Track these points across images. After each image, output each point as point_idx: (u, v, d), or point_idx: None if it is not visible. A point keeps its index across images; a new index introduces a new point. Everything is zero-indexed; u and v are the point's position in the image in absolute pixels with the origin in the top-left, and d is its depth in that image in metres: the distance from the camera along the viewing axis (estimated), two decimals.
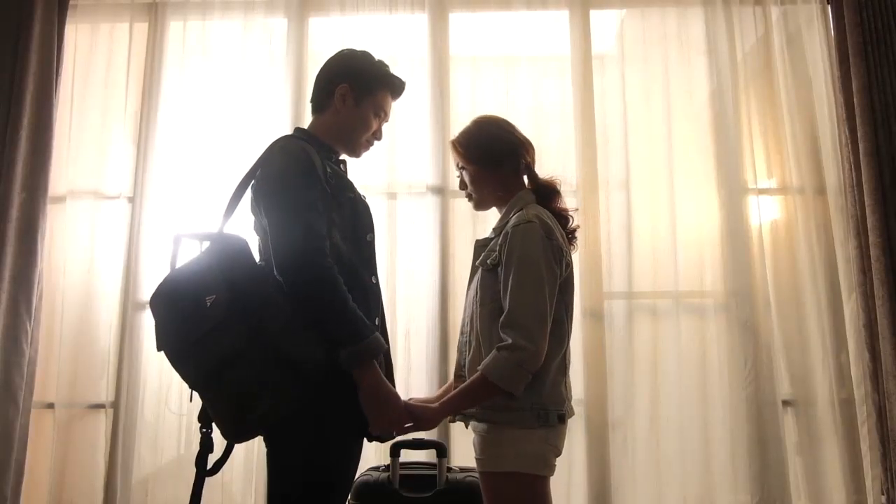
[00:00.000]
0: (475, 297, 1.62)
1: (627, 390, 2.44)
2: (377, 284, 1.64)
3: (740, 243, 2.52)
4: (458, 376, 1.65)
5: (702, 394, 2.48)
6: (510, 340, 1.46)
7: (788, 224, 2.60)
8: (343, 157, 1.76)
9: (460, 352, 1.68)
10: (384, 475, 1.95)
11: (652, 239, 2.59)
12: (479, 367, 1.49)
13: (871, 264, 2.38)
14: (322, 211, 1.49)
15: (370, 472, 2.02)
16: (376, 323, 1.58)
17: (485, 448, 1.54)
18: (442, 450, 1.97)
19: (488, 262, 1.59)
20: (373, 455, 2.25)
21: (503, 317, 1.50)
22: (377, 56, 1.75)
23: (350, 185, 1.65)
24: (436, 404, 1.55)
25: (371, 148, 1.77)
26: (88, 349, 2.55)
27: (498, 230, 1.66)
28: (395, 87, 1.74)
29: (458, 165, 1.76)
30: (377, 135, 1.74)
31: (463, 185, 1.76)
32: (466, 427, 1.64)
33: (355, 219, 1.60)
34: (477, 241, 1.75)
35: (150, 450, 2.50)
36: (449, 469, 2.01)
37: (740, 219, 2.54)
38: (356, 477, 1.80)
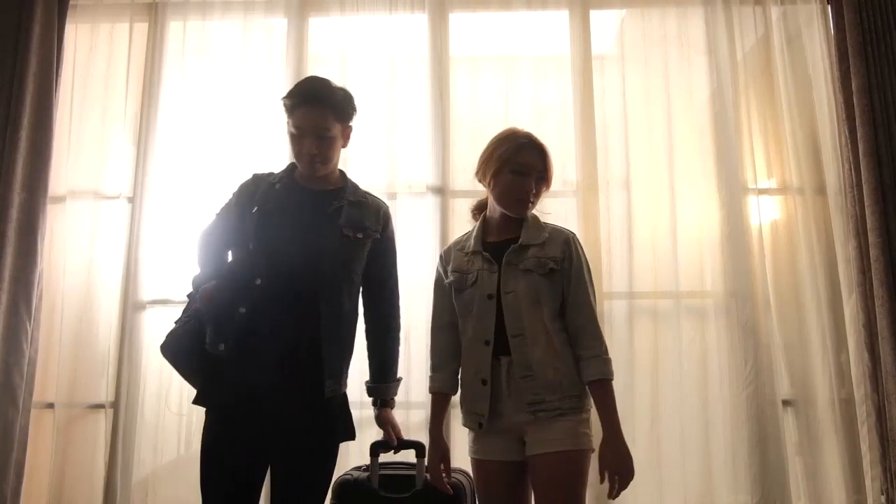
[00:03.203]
0: (531, 300, 1.71)
1: (627, 390, 2.44)
2: (262, 285, 1.76)
3: (740, 243, 2.52)
4: (525, 376, 1.69)
5: (702, 394, 2.48)
6: (602, 346, 1.73)
7: (788, 224, 2.60)
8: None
9: (516, 350, 1.70)
10: (364, 475, 1.95)
11: (652, 239, 2.59)
12: (598, 375, 1.70)
13: (870, 264, 2.38)
14: (216, 234, 1.90)
15: (352, 471, 2.01)
16: (241, 311, 1.74)
17: (570, 431, 1.67)
18: (421, 450, 1.93)
19: (547, 268, 1.73)
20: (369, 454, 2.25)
21: (587, 323, 1.73)
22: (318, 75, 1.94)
23: (276, 201, 1.84)
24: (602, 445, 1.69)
25: (318, 162, 1.83)
26: (88, 349, 2.55)
27: (534, 238, 1.77)
28: (292, 97, 1.82)
29: (544, 178, 1.81)
30: (305, 149, 1.81)
31: (532, 196, 1.80)
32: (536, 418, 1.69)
33: (255, 230, 1.81)
34: (491, 243, 1.80)
35: (150, 450, 2.50)
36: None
37: (740, 219, 2.54)
38: (338, 476, 1.93)
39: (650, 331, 2.51)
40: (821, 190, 2.57)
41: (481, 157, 1.86)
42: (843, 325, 2.47)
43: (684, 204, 2.61)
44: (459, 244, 1.90)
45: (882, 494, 2.29)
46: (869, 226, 2.39)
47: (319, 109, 1.79)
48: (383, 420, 1.93)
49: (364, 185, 2.63)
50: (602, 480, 1.66)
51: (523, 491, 1.75)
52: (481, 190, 2.63)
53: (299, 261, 1.77)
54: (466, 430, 1.82)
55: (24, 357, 2.43)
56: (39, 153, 2.55)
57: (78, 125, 2.70)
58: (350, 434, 1.85)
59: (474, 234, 1.86)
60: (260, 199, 1.84)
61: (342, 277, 1.82)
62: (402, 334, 1.99)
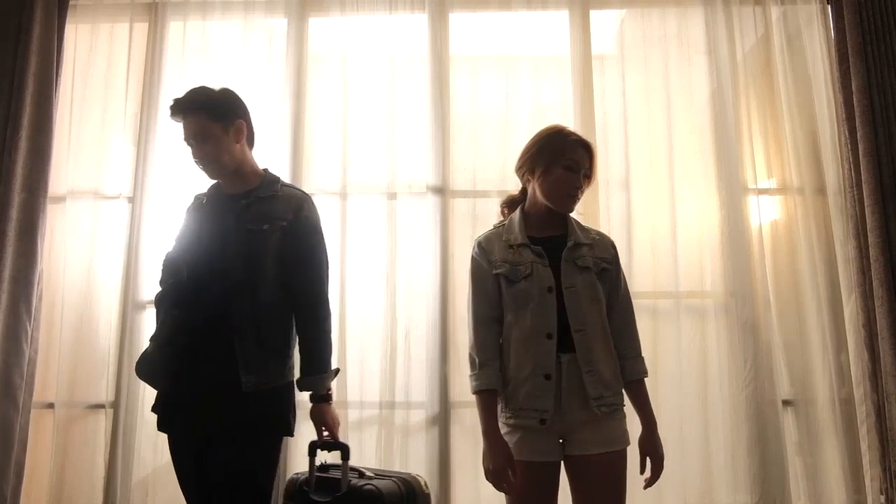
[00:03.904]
0: (590, 296, 1.74)
1: None
2: (189, 280, 1.87)
3: (740, 243, 2.52)
4: (588, 371, 1.70)
5: (702, 394, 2.48)
6: (640, 347, 1.84)
7: (788, 224, 2.60)
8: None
9: (580, 345, 1.70)
10: (317, 475, 1.93)
11: (652, 239, 2.59)
12: (641, 374, 1.81)
13: (870, 264, 2.38)
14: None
15: (301, 472, 2.01)
16: (175, 312, 1.85)
17: (623, 429, 1.74)
18: (346, 452, 1.90)
19: (600, 267, 1.78)
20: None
21: (629, 323, 1.83)
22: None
23: (200, 214, 1.95)
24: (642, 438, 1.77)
25: (206, 165, 1.92)
26: (88, 349, 2.55)
27: (582, 237, 1.81)
28: (171, 112, 1.91)
29: (588, 176, 1.82)
30: (193, 157, 1.92)
31: (580, 192, 1.83)
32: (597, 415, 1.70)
33: (178, 244, 1.97)
34: (536, 238, 1.79)
35: (150, 450, 2.50)
36: (361, 474, 1.93)
37: (740, 219, 2.54)
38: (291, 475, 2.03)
39: (650, 331, 2.51)
40: (821, 190, 2.57)
41: (526, 152, 1.85)
42: (843, 325, 2.47)
43: (684, 204, 2.61)
44: (501, 235, 1.83)
45: (882, 494, 2.29)
46: (869, 226, 2.39)
47: (192, 115, 1.87)
48: (313, 415, 1.91)
49: (364, 184, 2.66)
50: (643, 471, 1.74)
51: (556, 493, 1.74)
52: (481, 190, 2.66)
53: (208, 263, 1.84)
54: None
55: (24, 357, 2.43)
56: (39, 153, 2.55)
57: (78, 125, 2.70)
58: (280, 430, 1.84)
59: (517, 226, 1.81)
60: (191, 217, 1.98)
61: (251, 272, 1.82)
62: (331, 323, 1.94)
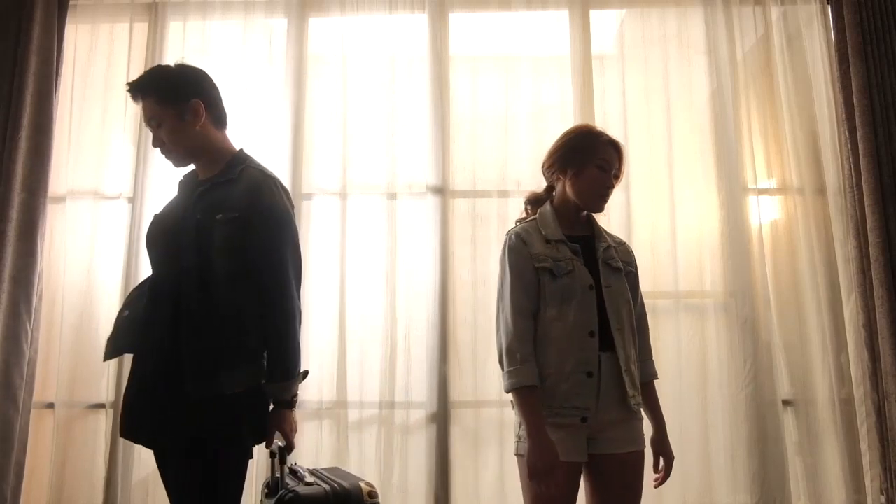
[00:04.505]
0: (625, 297, 1.77)
1: None
2: (139, 288, 1.78)
3: (740, 243, 2.53)
4: (626, 370, 1.71)
5: (702, 394, 2.48)
6: (651, 350, 1.87)
7: (788, 224, 2.60)
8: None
9: (619, 344, 1.71)
10: (289, 479, 1.82)
11: (652, 239, 2.59)
12: (654, 376, 1.85)
13: (870, 264, 2.38)
14: None
15: (288, 477, 1.90)
16: (126, 314, 1.75)
17: (642, 430, 1.76)
18: (282, 456, 1.74)
19: (627, 269, 1.82)
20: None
21: (645, 329, 1.87)
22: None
23: (170, 202, 1.80)
24: (655, 438, 1.83)
25: (165, 153, 1.75)
26: (88, 349, 2.55)
27: (609, 239, 1.84)
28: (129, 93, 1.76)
29: (617, 176, 1.82)
30: (153, 143, 1.76)
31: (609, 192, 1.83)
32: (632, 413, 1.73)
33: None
34: (570, 236, 1.78)
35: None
36: (301, 479, 1.81)
37: (740, 219, 2.54)
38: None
39: (650, 331, 2.50)
40: (821, 190, 2.57)
41: (556, 150, 1.82)
42: (843, 325, 2.47)
43: (684, 204, 2.61)
44: (537, 229, 1.78)
45: (882, 494, 2.29)
46: (869, 226, 2.39)
47: (145, 99, 1.71)
48: (271, 419, 1.67)
49: (364, 184, 2.66)
50: (657, 469, 1.80)
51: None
52: (481, 190, 2.66)
53: (162, 255, 1.69)
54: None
55: (24, 357, 2.43)
56: (39, 153, 2.55)
57: (78, 125, 2.70)
58: (233, 439, 1.60)
59: (551, 222, 1.79)
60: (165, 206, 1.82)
61: (201, 266, 1.60)
62: (298, 323, 1.66)
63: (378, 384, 2.50)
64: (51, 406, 2.53)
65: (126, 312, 1.74)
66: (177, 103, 1.69)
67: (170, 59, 2.72)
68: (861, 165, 2.43)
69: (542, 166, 1.88)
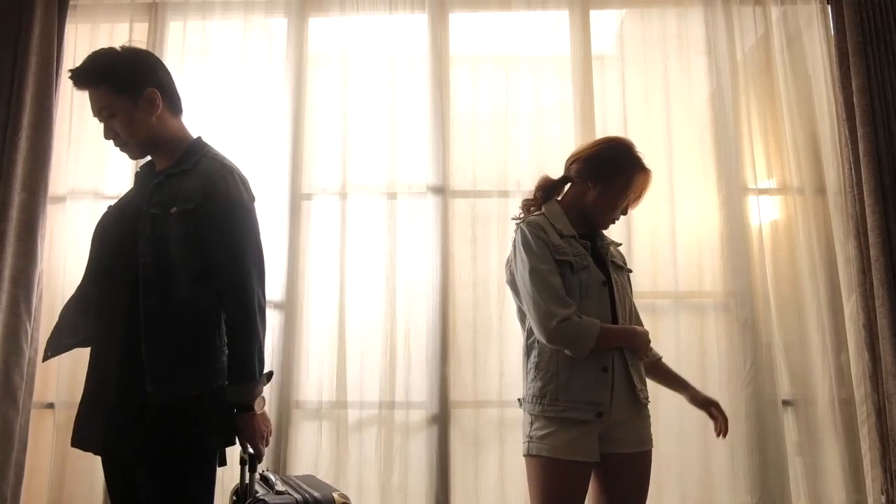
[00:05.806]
0: (628, 294, 1.84)
1: None
2: (90, 290, 1.69)
3: (740, 243, 2.52)
4: (633, 364, 1.75)
5: None
6: None
7: (788, 224, 2.60)
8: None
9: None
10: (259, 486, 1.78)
11: (652, 239, 2.59)
12: (660, 356, 1.92)
13: (870, 264, 2.38)
14: None
15: (258, 482, 1.83)
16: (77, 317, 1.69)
17: (650, 430, 1.78)
18: (252, 463, 1.64)
19: (627, 268, 1.89)
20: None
21: (640, 323, 1.88)
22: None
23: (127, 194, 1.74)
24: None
25: (120, 145, 1.69)
26: (88, 349, 2.55)
27: (605, 238, 1.88)
28: (71, 80, 1.63)
29: (636, 198, 1.89)
30: (105, 135, 1.67)
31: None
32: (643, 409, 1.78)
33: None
34: (598, 241, 1.83)
35: None
36: (271, 487, 1.77)
37: (740, 219, 2.54)
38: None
39: (650, 331, 2.50)
40: (821, 190, 2.57)
41: (595, 156, 1.82)
42: (843, 325, 2.47)
43: (684, 204, 2.61)
44: (550, 223, 1.76)
45: (882, 494, 2.29)
46: (869, 226, 2.39)
47: (94, 88, 1.59)
48: (236, 426, 1.57)
49: (364, 184, 2.66)
50: (716, 421, 1.82)
51: None
52: (481, 190, 2.66)
53: (115, 252, 1.59)
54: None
55: (24, 357, 2.43)
56: (39, 153, 2.55)
57: (78, 125, 2.69)
58: (197, 453, 1.52)
59: (562, 218, 1.78)
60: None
61: (156, 264, 1.52)
62: (260, 321, 1.57)
63: (378, 384, 2.50)
64: (51, 406, 2.53)
65: (68, 311, 1.68)
66: (131, 93, 1.59)
67: (170, 59, 2.72)
68: (861, 165, 2.43)
69: (569, 160, 1.88)
